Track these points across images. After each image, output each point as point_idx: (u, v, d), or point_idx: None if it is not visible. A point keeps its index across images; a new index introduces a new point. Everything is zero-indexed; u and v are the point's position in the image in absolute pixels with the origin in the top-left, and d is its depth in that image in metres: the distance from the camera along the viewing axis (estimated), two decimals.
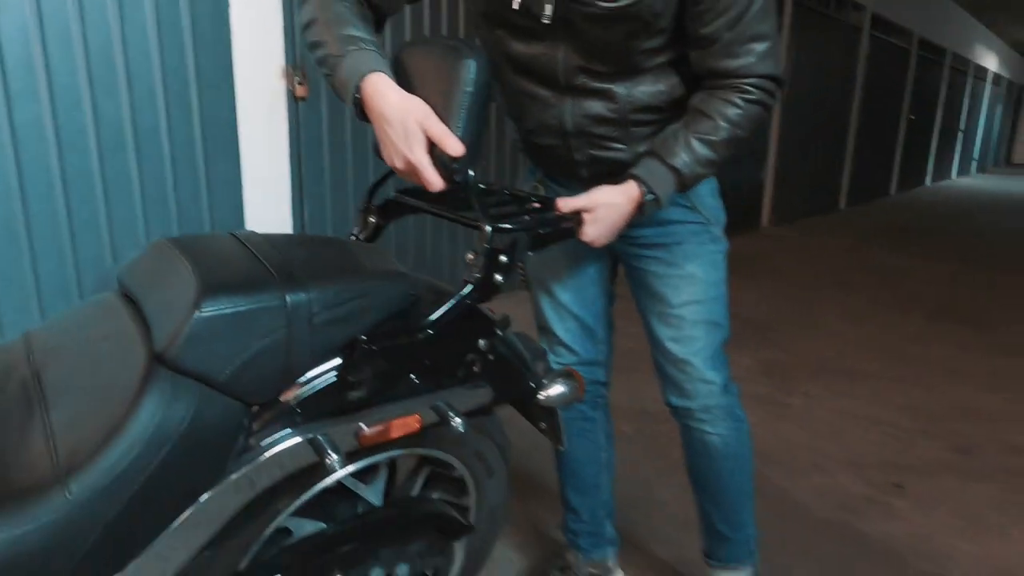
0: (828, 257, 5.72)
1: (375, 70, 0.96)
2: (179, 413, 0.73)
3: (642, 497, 1.99)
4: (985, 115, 15.81)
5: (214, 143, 2.54)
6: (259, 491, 0.87)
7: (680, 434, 1.44)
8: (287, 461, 0.87)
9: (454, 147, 0.93)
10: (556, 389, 1.14)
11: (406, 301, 0.94)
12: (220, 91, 2.52)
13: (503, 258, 0.99)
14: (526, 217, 1.12)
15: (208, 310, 0.75)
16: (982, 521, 1.96)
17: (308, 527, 1.05)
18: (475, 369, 1.02)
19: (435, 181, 0.96)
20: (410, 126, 0.93)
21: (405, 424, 0.95)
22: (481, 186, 1.27)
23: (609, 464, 1.56)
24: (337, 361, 0.89)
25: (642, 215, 1.13)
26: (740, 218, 6.44)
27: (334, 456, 0.86)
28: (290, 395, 0.86)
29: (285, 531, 1.04)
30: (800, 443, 2.38)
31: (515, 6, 1.04)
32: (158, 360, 0.75)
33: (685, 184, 1.12)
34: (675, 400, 1.39)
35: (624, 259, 1.37)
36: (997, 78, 15.92)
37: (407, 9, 2.93)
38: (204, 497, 0.80)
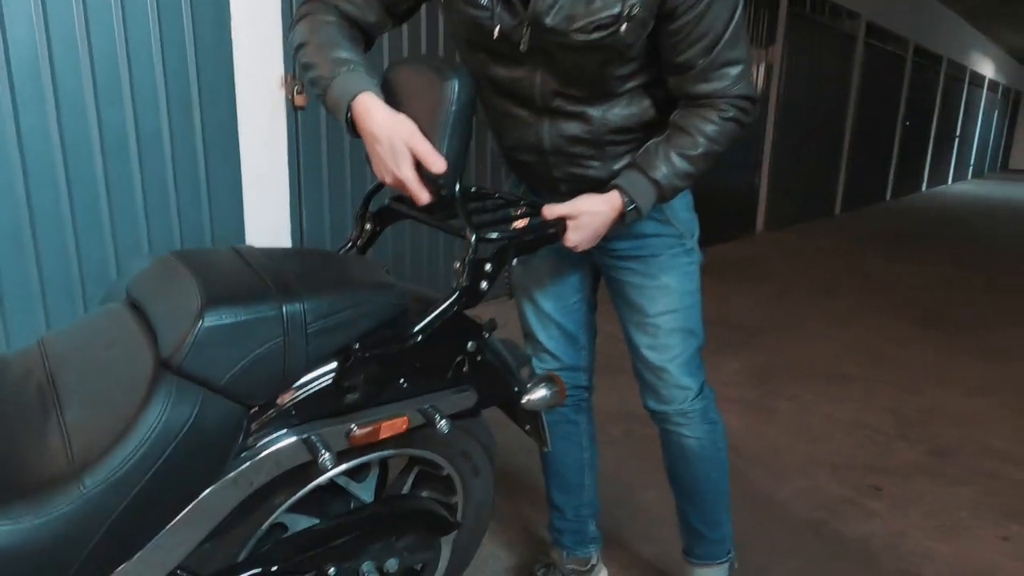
0: (821, 262, 5.78)
1: (364, 90, 1.02)
2: (183, 414, 0.79)
3: (627, 497, 2.06)
4: (981, 121, 15.90)
5: (215, 150, 2.60)
6: (256, 488, 0.93)
7: (659, 437, 1.51)
8: (283, 460, 0.93)
9: (437, 165, 1.00)
10: (539, 393, 1.21)
11: (395, 311, 1.01)
12: (221, 99, 2.58)
13: (488, 267, 1.05)
14: (512, 226, 1.19)
15: (211, 320, 0.82)
16: (956, 522, 2.03)
17: (303, 522, 1.11)
18: (463, 371, 1.08)
19: (422, 196, 1.03)
20: (397, 144, 1.00)
21: (393, 426, 1.02)
22: (472, 190, 1.34)
23: (592, 465, 1.63)
24: (330, 366, 0.96)
25: (623, 223, 1.19)
26: (735, 223, 6.52)
27: (326, 455, 0.92)
28: (286, 398, 0.92)
29: (281, 526, 1.10)
30: (784, 446, 2.44)
31: (495, 36, 1.10)
32: (164, 366, 0.82)
33: (664, 195, 1.18)
34: (653, 404, 1.45)
35: (603, 270, 1.44)
36: (994, 84, 16.01)
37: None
38: (205, 493, 0.86)
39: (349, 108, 1.03)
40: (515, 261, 1.18)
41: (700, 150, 1.15)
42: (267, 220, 2.81)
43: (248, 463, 0.90)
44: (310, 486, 1.04)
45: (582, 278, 1.49)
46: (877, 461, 2.37)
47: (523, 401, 1.19)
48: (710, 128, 1.14)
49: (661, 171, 1.15)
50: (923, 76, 10.83)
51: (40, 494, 0.72)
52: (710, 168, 1.19)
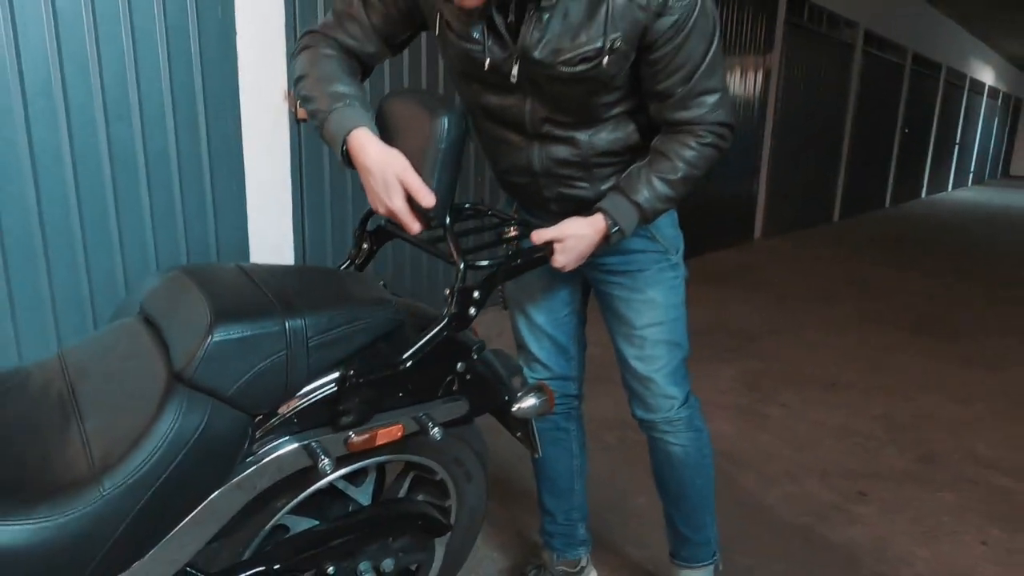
0: (819, 269, 5.84)
1: (359, 126, 1.10)
2: (194, 423, 0.86)
3: (620, 502, 2.12)
4: (982, 128, 15.96)
5: (220, 163, 2.67)
6: (260, 491, 1.00)
7: (647, 444, 1.57)
8: (285, 465, 1.00)
9: (427, 200, 1.07)
10: (529, 402, 1.27)
11: (391, 325, 1.08)
12: (226, 114, 2.66)
13: (476, 294, 1.12)
14: (504, 239, 1.26)
15: (220, 335, 0.88)
16: (939, 527, 2.08)
17: (303, 524, 1.18)
18: (453, 388, 1.15)
19: (413, 226, 1.10)
20: (389, 178, 1.07)
21: (389, 433, 1.08)
22: (466, 206, 1.40)
23: (582, 471, 1.69)
24: (330, 377, 1.02)
25: (608, 244, 1.26)
26: (733, 230, 6.58)
27: (326, 461, 0.99)
28: (288, 407, 0.99)
29: (283, 527, 1.17)
30: (775, 452, 2.50)
31: (486, 67, 1.17)
32: (176, 377, 0.88)
33: (647, 218, 1.25)
34: (641, 413, 1.52)
35: (593, 284, 1.50)
36: (994, 91, 16.07)
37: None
38: (213, 495, 0.93)
39: (345, 142, 1.10)
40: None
41: (680, 174, 1.21)
42: (270, 232, 2.88)
43: (253, 468, 0.96)
44: (310, 490, 1.11)
45: (572, 292, 1.55)
46: (866, 467, 2.43)
47: (514, 409, 1.26)
48: (689, 153, 1.21)
49: (643, 195, 1.21)
50: (922, 83, 10.89)
51: (63, 495, 0.79)
52: (690, 191, 1.25)
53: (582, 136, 1.25)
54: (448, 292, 1.10)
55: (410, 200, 1.09)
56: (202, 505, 0.93)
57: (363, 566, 1.22)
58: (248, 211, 2.79)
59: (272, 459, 0.98)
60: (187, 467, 0.86)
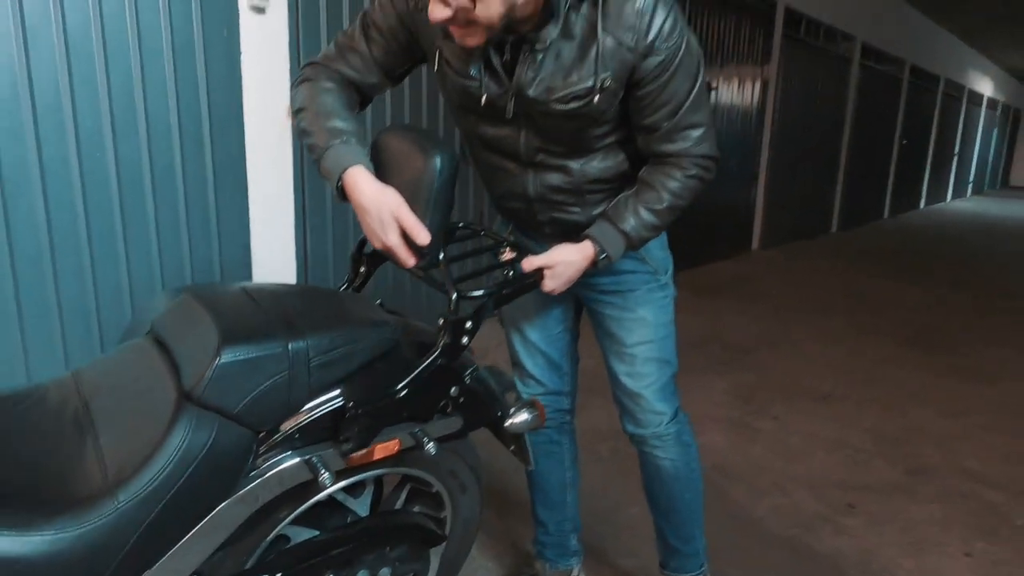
0: (815, 280, 5.89)
1: (354, 164, 1.15)
2: (202, 439, 0.92)
3: (612, 513, 2.17)
4: (980, 138, 16.04)
5: (224, 180, 2.74)
6: (263, 503, 1.05)
7: (638, 458, 1.63)
8: (287, 478, 1.06)
9: (422, 237, 1.12)
10: (521, 417, 1.33)
11: (388, 345, 1.13)
12: (231, 131, 2.72)
13: (468, 324, 1.17)
14: (500, 260, 1.32)
15: (227, 357, 0.94)
16: (925, 539, 2.13)
17: (304, 534, 1.23)
18: (448, 410, 1.20)
19: (408, 261, 1.15)
20: (384, 216, 1.12)
21: (386, 448, 1.14)
22: (460, 225, 1.46)
23: (574, 483, 1.74)
24: (330, 395, 1.08)
25: (595, 269, 1.31)
26: (730, 241, 6.64)
27: (326, 474, 1.05)
28: (290, 424, 1.04)
29: (284, 537, 1.22)
30: (765, 464, 2.55)
31: (483, 103, 1.23)
32: (186, 396, 0.94)
33: (633, 245, 1.31)
34: (631, 428, 1.57)
35: (585, 303, 1.56)
36: (992, 102, 16.16)
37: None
38: (219, 507, 0.98)
39: (340, 179, 1.15)
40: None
41: (665, 204, 1.27)
42: (273, 248, 2.94)
43: (256, 481, 1.02)
44: (311, 501, 1.16)
45: (566, 310, 1.61)
46: (855, 479, 2.47)
47: (507, 424, 1.32)
48: (674, 184, 1.27)
49: (630, 223, 1.27)
50: (920, 95, 10.98)
51: (80, 507, 0.84)
52: (675, 220, 1.31)
53: (574, 164, 1.31)
54: (441, 322, 1.15)
55: (405, 235, 1.14)
56: (208, 517, 0.98)
57: (361, 575, 1.27)
58: (251, 227, 2.85)
59: (275, 473, 1.03)
60: (195, 481, 0.91)
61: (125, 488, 0.86)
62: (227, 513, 0.99)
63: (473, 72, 1.21)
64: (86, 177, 2.40)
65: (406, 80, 1.48)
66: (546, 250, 1.31)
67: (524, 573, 1.85)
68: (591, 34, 1.14)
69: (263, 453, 1.03)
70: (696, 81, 1.21)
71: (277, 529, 1.14)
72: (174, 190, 2.61)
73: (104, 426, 0.97)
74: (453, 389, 1.19)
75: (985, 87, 15.04)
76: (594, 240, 1.29)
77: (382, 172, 1.18)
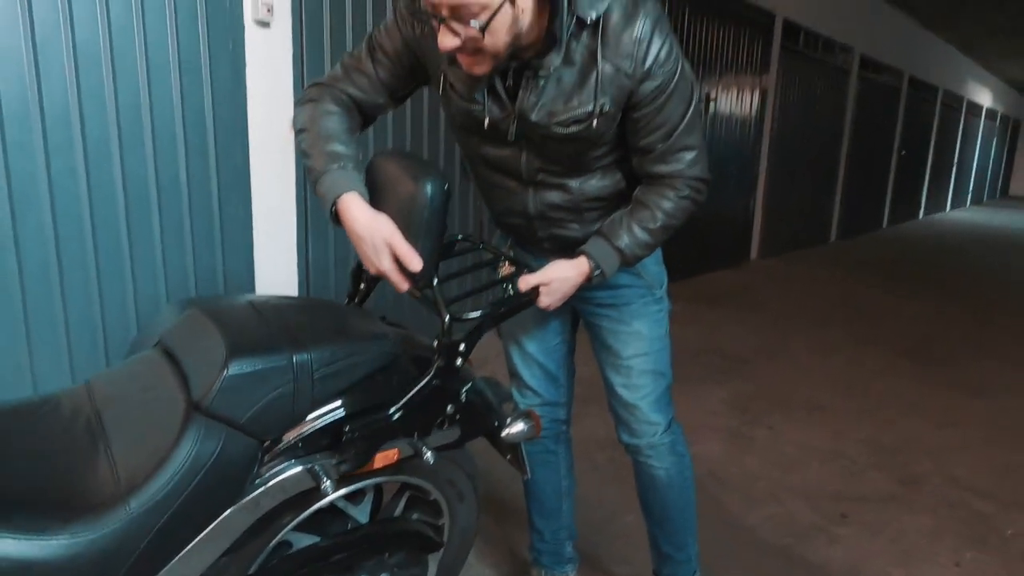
0: (814, 291, 5.93)
1: (349, 191, 1.18)
2: (210, 448, 0.96)
3: (606, 521, 2.20)
4: (980, 149, 16.10)
5: (228, 191, 2.78)
6: (267, 510, 1.09)
7: (633, 467, 1.66)
8: (290, 486, 1.10)
9: (414, 264, 1.15)
10: (517, 427, 1.37)
11: (388, 358, 1.17)
12: (235, 144, 2.77)
13: (462, 347, 1.21)
14: (499, 275, 1.36)
15: (234, 369, 0.98)
16: (916, 549, 2.16)
17: (305, 540, 1.27)
18: (445, 426, 1.24)
19: (401, 285, 1.19)
20: (378, 243, 1.15)
21: (385, 457, 1.18)
22: (459, 237, 1.50)
23: (569, 491, 1.78)
24: (332, 406, 1.12)
25: (590, 285, 1.36)
26: (729, 250, 6.68)
27: (327, 482, 1.09)
28: (294, 434, 1.08)
29: (286, 543, 1.26)
30: (760, 474, 2.58)
31: (486, 126, 1.28)
32: (194, 407, 0.98)
33: (627, 262, 1.35)
34: (626, 438, 1.61)
35: (583, 316, 1.60)
36: (992, 113, 16.23)
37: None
38: (225, 514, 1.02)
39: (334, 204, 1.19)
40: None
41: (659, 223, 1.32)
42: (276, 261, 2.99)
43: (261, 489, 1.06)
44: (312, 508, 1.20)
45: (563, 323, 1.65)
46: (849, 489, 2.51)
47: (503, 434, 1.35)
48: (667, 204, 1.31)
49: (624, 240, 1.32)
50: (919, 106, 11.03)
51: (94, 513, 0.88)
52: (667, 238, 1.36)
53: (574, 183, 1.35)
54: (436, 344, 1.19)
55: (398, 260, 1.17)
56: (214, 523, 1.02)
57: None
58: (254, 240, 2.90)
59: (278, 481, 1.07)
60: (203, 488, 0.95)
61: (137, 495, 0.90)
62: (232, 519, 1.03)
63: (477, 97, 1.26)
64: (93, 189, 2.44)
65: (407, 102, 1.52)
66: (544, 264, 1.35)
67: None
68: (591, 61, 1.19)
69: (267, 462, 1.07)
70: (690, 105, 1.26)
71: (280, 535, 1.18)
72: (179, 202, 2.66)
73: (116, 435, 1.01)
74: (449, 407, 1.23)
75: (984, 98, 15.11)
76: (589, 256, 1.33)
77: (376, 196, 1.21)
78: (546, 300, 1.33)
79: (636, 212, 1.33)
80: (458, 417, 1.24)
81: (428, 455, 1.20)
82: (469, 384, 1.26)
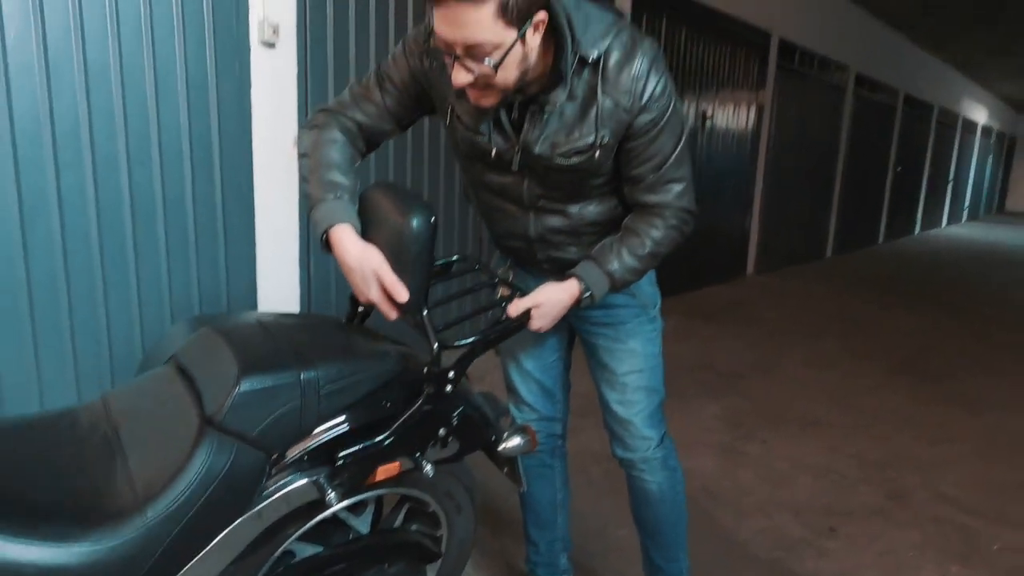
0: (809, 305, 5.98)
1: (341, 222, 1.23)
2: (222, 461, 1.01)
3: (601, 533, 2.25)
4: (975, 165, 16.23)
5: (232, 207, 2.84)
6: (273, 520, 1.14)
7: (626, 481, 1.72)
8: (295, 498, 1.15)
9: (401, 295, 1.20)
10: (514, 441, 1.42)
11: (391, 375, 1.23)
12: (239, 162, 2.83)
13: (451, 374, 1.25)
14: (498, 293, 1.42)
15: (245, 386, 1.04)
16: (902, 563, 2.21)
17: (309, 550, 1.32)
18: (438, 446, 1.29)
19: (390, 314, 1.24)
20: (367, 274, 1.21)
21: (387, 469, 1.23)
22: (455, 258, 1.55)
23: (564, 504, 1.83)
24: (337, 420, 1.17)
25: (579, 307, 1.41)
26: (725, 265, 6.75)
27: (332, 494, 1.14)
28: (300, 447, 1.14)
29: (290, 553, 1.31)
30: (751, 488, 2.63)
31: (491, 156, 1.34)
32: (207, 422, 1.03)
33: (616, 286, 1.40)
34: (620, 452, 1.66)
35: (579, 334, 1.66)
36: (987, 130, 16.37)
37: None
38: (234, 524, 1.07)
39: (326, 232, 1.24)
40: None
41: (647, 250, 1.38)
42: (278, 271, 3.04)
43: (268, 500, 1.11)
44: (316, 519, 1.25)
45: (560, 340, 1.71)
46: (838, 504, 2.55)
47: (500, 448, 1.41)
48: (655, 232, 1.37)
49: (613, 265, 1.38)
50: (914, 123, 11.15)
51: (114, 522, 0.93)
52: (655, 265, 1.42)
53: (573, 209, 1.42)
54: (426, 372, 1.24)
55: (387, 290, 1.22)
56: (223, 533, 1.07)
57: None
58: (257, 255, 2.95)
59: (285, 493, 1.12)
60: (215, 499, 1.00)
61: (154, 505, 0.96)
62: (240, 529, 1.08)
63: (483, 128, 1.32)
64: (101, 205, 2.50)
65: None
66: (542, 283, 1.41)
67: None
68: (591, 96, 1.26)
69: (275, 474, 1.12)
70: (680, 140, 1.33)
71: (284, 545, 1.23)
72: (184, 218, 2.71)
73: (132, 448, 1.06)
74: (441, 430, 1.28)
75: (979, 115, 15.25)
76: (579, 279, 1.38)
77: (367, 228, 1.26)
78: (538, 323, 1.38)
79: (626, 239, 1.39)
80: (452, 436, 1.29)
81: (428, 468, 1.25)
82: (460, 408, 1.30)
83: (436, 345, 1.23)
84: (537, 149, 1.30)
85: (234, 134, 2.80)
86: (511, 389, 1.74)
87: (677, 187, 1.36)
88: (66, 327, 2.48)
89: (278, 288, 3.06)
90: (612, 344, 1.59)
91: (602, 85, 1.25)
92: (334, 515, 1.31)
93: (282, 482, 1.13)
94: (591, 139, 1.28)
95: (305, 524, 1.24)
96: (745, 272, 7.17)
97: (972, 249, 11.07)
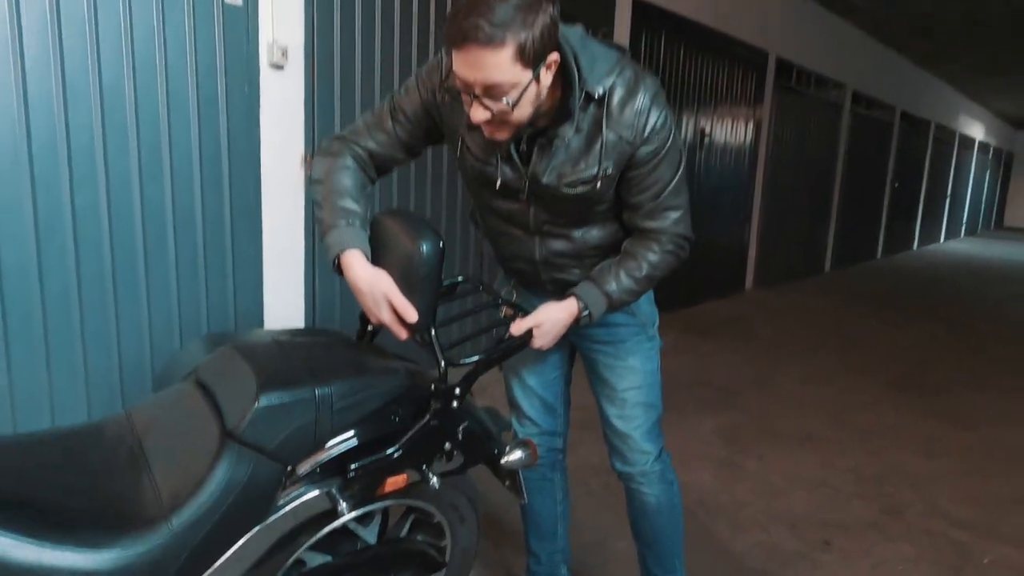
0: (807, 321, 6.04)
1: (352, 247, 1.31)
2: (242, 473, 1.07)
3: (600, 544, 2.29)
4: (973, 180, 16.34)
5: (240, 225, 2.91)
6: (288, 529, 1.20)
7: (625, 493, 1.77)
8: (309, 508, 1.20)
9: (411, 316, 1.27)
10: (516, 455, 1.48)
11: (400, 391, 1.29)
12: (248, 179, 2.90)
13: (457, 391, 1.32)
14: (501, 314, 1.49)
15: (264, 402, 1.10)
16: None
17: (319, 559, 1.37)
18: (443, 460, 1.35)
19: (400, 335, 1.31)
20: (377, 297, 1.28)
21: (395, 481, 1.29)
22: (459, 279, 1.62)
23: (565, 516, 1.89)
24: (349, 434, 1.23)
25: (578, 326, 1.48)
26: (724, 280, 6.81)
27: (343, 505, 1.19)
28: (314, 460, 1.19)
29: (301, 562, 1.36)
30: (748, 502, 2.68)
31: (498, 186, 1.41)
32: (228, 435, 1.09)
33: (613, 306, 1.47)
34: (619, 466, 1.72)
35: (580, 351, 1.72)
36: (984, 146, 16.49)
37: None
38: (251, 532, 1.13)
39: (338, 257, 1.32)
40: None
41: (644, 273, 1.45)
42: (283, 292, 3.11)
43: (284, 510, 1.17)
44: (327, 528, 1.30)
45: (561, 357, 1.77)
46: (833, 517, 2.60)
47: (502, 462, 1.47)
48: (652, 256, 1.44)
49: (611, 286, 1.44)
50: (911, 139, 11.26)
51: (141, 530, 0.99)
52: (651, 287, 1.49)
53: (576, 233, 1.49)
54: (433, 389, 1.30)
55: (397, 311, 1.29)
56: (241, 541, 1.13)
57: None
58: (264, 273, 3.02)
59: (299, 503, 1.18)
60: (235, 508, 1.06)
61: (179, 513, 1.01)
62: (258, 537, 1.14)
63: (492, 159, 1.39)
64: (114, 222, 2.57)
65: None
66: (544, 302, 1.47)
67: None
68: (596, 130, 1.33)
69: (289, 485, 1.18)
70: (678, 170, 1.40)
71: (297, 553, 1.29)
72: (194, 235, 2.78)
73: (157, 459, 1.12)
74: (447, 444, 1.34)
75: (976, 131, 15.38)
76: (579, 298, 1.45)
77: (378, 252, 1.34)
78: (539, 341, 1.45)
79: (624, 261, 1.46)
80: (457, 450, 1.35)
81: (434, 480, 1.31)
82: (465, 423, 1.37)
83: (443, 363, 1.29)
84: (544, 179, 1.37)
85: (243, 153, 2.88)
86: (514, 404, 1.80)
87: (674, 214, 1.43)
88: (78, 341, 2.54)
89: (284, 305, 3.12)
90: (612, 361, 1.66)
91: (607, 120, 1.32)
92: (343, 525, 1.37)
93: (296, 493, 1.19)
94: (595, 170, 1.35)
95: (317, 533, 1.29)
96: (744, 287, 7.23)
97: (970, 264, 11.15)
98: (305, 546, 1.30)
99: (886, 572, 2.27)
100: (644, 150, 1.34)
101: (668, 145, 1.36)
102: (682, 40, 5.48)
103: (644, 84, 1.33)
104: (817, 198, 8.52)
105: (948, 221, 14.93)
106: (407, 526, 1.55)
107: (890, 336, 5.60)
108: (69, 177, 2.46)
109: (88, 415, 2.60)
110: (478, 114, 1.22)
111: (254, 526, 1.13)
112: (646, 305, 1.66)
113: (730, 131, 6.38)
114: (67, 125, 2.43)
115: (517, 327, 1.43)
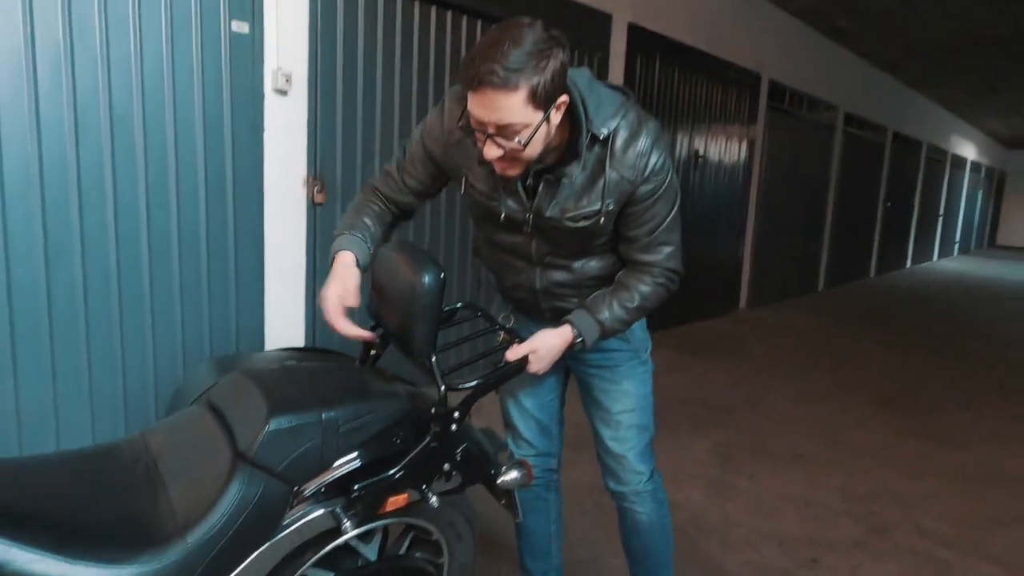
0: (800, 340, 6.10)
1: (345, 250, 1.48)
2: (253, 492, 1.13)
3: (593, 562, 2.35)
4: (966, 200, 16.51)
5: (243, 243, 2.98)
6: (294, 546, 1.26)
7: (617, 512, 1.83)
8: (314, 526, 1.26)
9: (339, 328, 1.43)
10: (511, 475, 1.54)
11: (402, 414, 1.35)
12: (251, 202, 2.98)
13: (456, 414, 1.39)
14: (498, 339, 1.56)
15: (274, 425, 1.16)
16: None
17: (322, 575, 1.43)
18: (442, 480, 1.41)
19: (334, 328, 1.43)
20: (327, 294, 1.45)
21: (396, 500, 1.35)
22: (459, 305, 1.69)
23: (558, 535, 1.94)
24: (353, 455, 1.29)
25: (571, 351, 1.55)
26: (718, 300, 6.89)
27: (347, 523, 1.25)
28: (319, 480, 1.26)
29: None
30: (738, 520, 2.74)
31: (501, 219, 1.49)
32: (239, 457, 1.16)
33: (606, 334, 1.54)
34: (613, 485, 1.79)
35: (576, 375, 1.79)
36: (976, 165, 16.67)
37: None
38: (259, 550, 1.19)
39: (334, 257, 1.48)
40: None
41: (635, 303, 1.52)
42: (285, 313, 3.18)
43: (291, 528, 1.23)
44: (331, 546, 1.36)
45: (557, 380, 1.84)
46: (821, 536, 2.66)
47: (499, 481, 1.53)
48: (644, 288, 1.52)
49: (604, 314, 1.51)
50: (903, 159, 11.40)
51: (157, 547, 1.05)
52: (641, 317, 1.57)
53: (576, 264, 1.57)
54: (433, 412, 1.37)
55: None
56: (251, 558, 1.19)
57: None
58: (265, 294, 3.09)
59: (306, 521, 1.24)
60: (246, 526, 1.12)
61: (193, 531, 1.07)
62: (267, 554, 1.19)
63: (496, 195, 1.47)
64: (120, 244, 2.64)
65: None
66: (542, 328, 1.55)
67: None
68: (600, 168, 1.41)
69: (296, 505, 1.24)
70: (673, 208, 1.48)
71: (302, 570, 1.34)
72: (198, 257, 2.86)
73: (171, 479, 1.18)
74: (445, 465, 1.40)
75: (968, 151, 15.56)
76: (573, 325, 1.52)
77: (383, 283, 1.45)
78: (535, 366, 1.52)
79: (617, 291, 1.53)
80: (455, 471, 1.41)
81: (433, 500, 1.37)
82: (463, 444, 1.43)
83: (443, 387, 1.36)
84: (548, 213, 1.46)
85: (247, 176, 2.95)
86: (510, 425, 1.86)
87: (667, 249, 1.51)
88: (84, 364, 2.60)
89: (285, 326, 3.18)
90: (607, 385, 1.73)
91: (610, 160, 1.40)
92: (346, 542, 1.42)
93: (303, 512, 1.25)
94: (598, 206, 1.43)
95: (321, 550, 1.35)
96: (737, 306, 7.31)
97: (963, 283, 11.25)
98: (310, 563, 1.35)
99: None
100: (643, 189, 1.42)
101: (665, 185, 1.44)
102: (676, 63, 5.59)
103: (647, 128, 1.41)
104: (811, 218, 8.63)
105: (941, 240, 15.08)
106: (406, 543, 1.60)
107: (882, 355, 5.67)
108: (78, 201, 2.53)
109: (93, 438, 2.65)
110: (491, 151, 1.30)
111: (263, 543, 1.19)
112: (639, 331, 1.73)
113: (724, 152, 6.49)
114: (77, 151, 2.50)
115: (514, 352, 1.50)
